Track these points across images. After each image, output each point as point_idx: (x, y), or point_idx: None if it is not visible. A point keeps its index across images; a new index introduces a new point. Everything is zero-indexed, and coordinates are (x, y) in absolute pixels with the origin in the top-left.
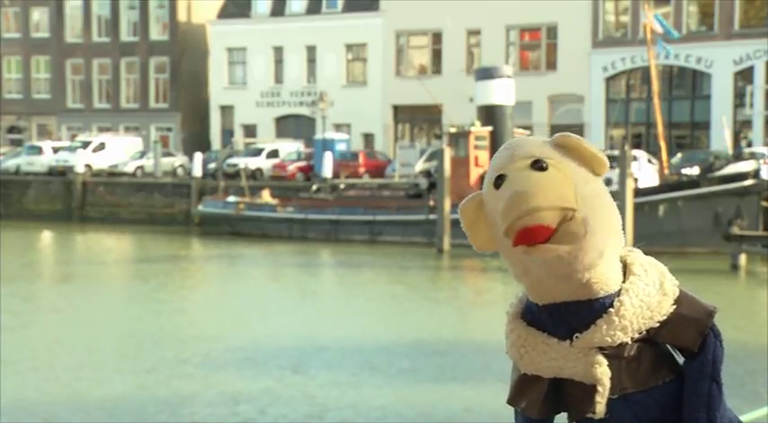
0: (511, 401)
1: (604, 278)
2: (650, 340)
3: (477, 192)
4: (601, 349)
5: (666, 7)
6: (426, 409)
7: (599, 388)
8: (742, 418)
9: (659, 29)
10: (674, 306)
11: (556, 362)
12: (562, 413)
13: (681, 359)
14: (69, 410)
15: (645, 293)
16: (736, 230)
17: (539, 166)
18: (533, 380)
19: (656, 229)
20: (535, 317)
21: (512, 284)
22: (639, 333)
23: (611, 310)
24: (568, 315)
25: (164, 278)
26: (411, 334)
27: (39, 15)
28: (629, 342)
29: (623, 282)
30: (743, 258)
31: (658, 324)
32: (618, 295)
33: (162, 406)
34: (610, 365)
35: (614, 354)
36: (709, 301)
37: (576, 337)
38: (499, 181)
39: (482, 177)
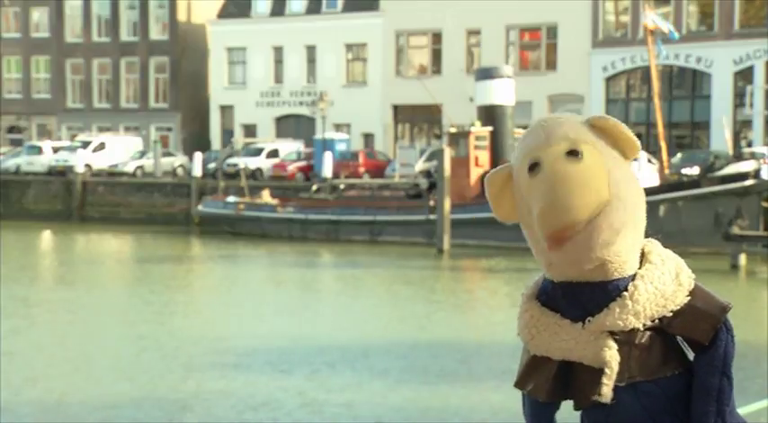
0: (518, 384)
1: (620, 260)
2: (662, 331)
3: (507, 164)
4: (612, 334)
5: (666, 7)
6: (426, 410)
7: (606, 371)
8: (740, 410)
9: (663, 28)
10: (689, 298)
11: (566, 343)
12: (568, 402)
13: (691, 355)
14: (69, 410)
15: (660, 281)
16: (735, 230)
17: (574, 153)
18: (542, 362)
19: (656, 229)
20: (549, 297)
21: (511, 285)
22: (652, 321)
23: (625, 293)
24: (582, 296)
25: (163, 278)
26: (411, 334)
27: (39, 15)
28: (641, 328)
29: (639, 269)
30: (743, 258)
31: (671, 314)
32: (633, 280)
33: (161, 406)
34: (619, 351)
35: (625, 340)
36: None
37: (589, 320)
38: (534, 166)
39: (482, 178)
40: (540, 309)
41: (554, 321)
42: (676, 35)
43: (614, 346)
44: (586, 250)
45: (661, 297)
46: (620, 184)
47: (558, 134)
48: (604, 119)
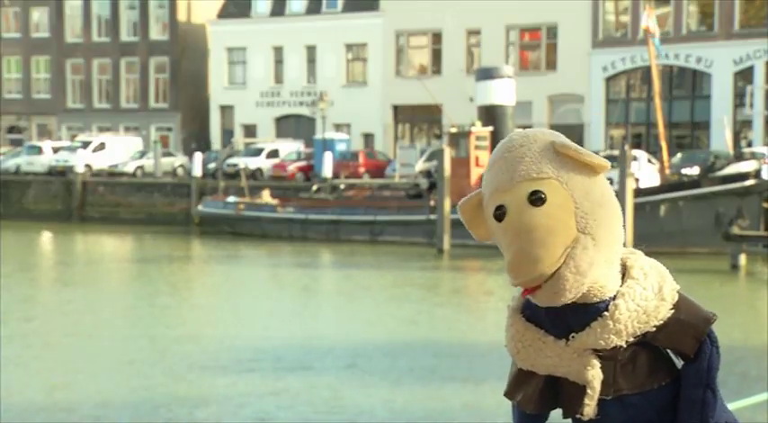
0: (507, 395)
1: (597, 285)
2: (647, 343)
3: (476, 191)
4: (596, 351)
5: (666, 7)
6: (425, 409)
7: (589, 391)
8: (739, 403)
9: (656, 33)
10: (673, 311)
11: (551, 360)
12: (559, 409)
13: (680, 363)
14: (69, 410)
15: (642, 298)
16: (735, 230)
17: (537, 197)
18: (529, 375)
19: (657, 229)
20: (534, 313)
21: (510, 286)
22: (635, 337)
23: (606, 313)
24: (565, 314)
25: (163, 278)
26: (411, 334)
27: (39, 15)
28: (624, 345)
29: (622, 285)
30: (743, 258)
31: (655, 328)
32: (614, 298)
33: (161, 406)
34: (604, 367)
35: (609, 355)
36: (710, 303)
37: (573, 336)
38: (499, 212)
39: (482, 178)
40: (525, 324)
41: (538, 337)
42: (659, 45)
43: (597, 364)
44: (555, 296)
45: (643, 314)
46: (588, 216)
47: (520, 172)
48: (566, 147)
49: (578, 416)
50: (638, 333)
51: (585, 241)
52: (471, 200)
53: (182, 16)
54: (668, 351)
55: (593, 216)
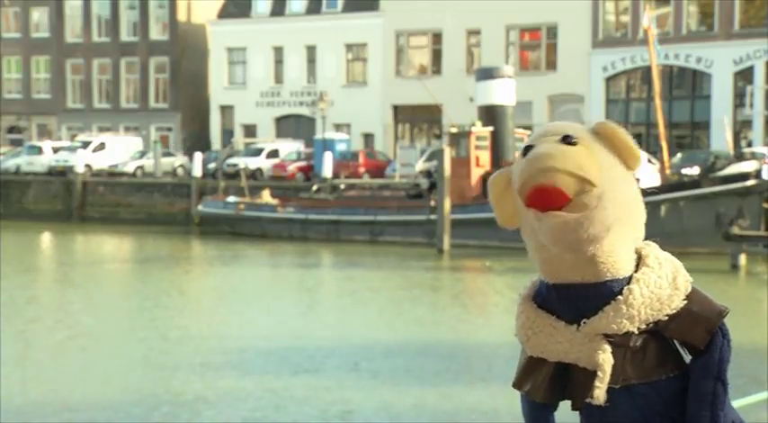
0: (516, 385)
1: (611, 259)
2: (658, 333)
3: (509, 167)
4: (607, 337)
5: (666, 7)
6: (425, 410)
7: (599, 374)
8: (740, 401)
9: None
10: (685, 302)
11: (561, 345)
12: (567, 403)
13: (687, 357)
14: (69, 410)
15: (656, 285)
16: (736, 230)
17: (568, 140)
18: (539, 363)
19: (657, 229)
20: (545, 299)
21: (511, 285)
22: (647, 324)
23: (619, 297)
24: (577, 298)
25: (163, 279)
26: (411, 334)
27: (39, 15)
28: (636, 332)
29: (636, 272)
30: (743, 258)
31: (667, 317)
32: (628, 283)
33: (161, 406)
34: (614, 353)
35: (620, 342)
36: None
37: (584, 322)
38: (527, 151)
39: (483, 178)
40: (536, 310)
41: (549, 323)
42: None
43: (608, 348)
44: (574, 234)
45: (656, 301)
46: (614, 182)
47: (557, 129)
48: (603, 124)
49: (588, 400)
50: (651, 320)
51: (612, 196)
52: (503, 174)
53: (182, 16)
54: (677, 344)
55: (613, 184)
